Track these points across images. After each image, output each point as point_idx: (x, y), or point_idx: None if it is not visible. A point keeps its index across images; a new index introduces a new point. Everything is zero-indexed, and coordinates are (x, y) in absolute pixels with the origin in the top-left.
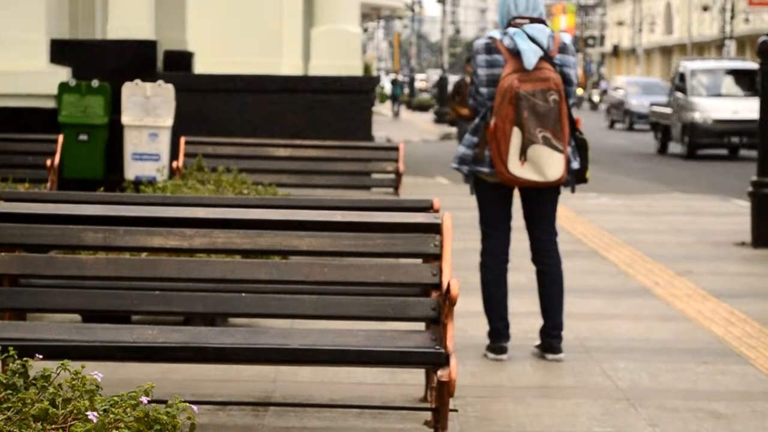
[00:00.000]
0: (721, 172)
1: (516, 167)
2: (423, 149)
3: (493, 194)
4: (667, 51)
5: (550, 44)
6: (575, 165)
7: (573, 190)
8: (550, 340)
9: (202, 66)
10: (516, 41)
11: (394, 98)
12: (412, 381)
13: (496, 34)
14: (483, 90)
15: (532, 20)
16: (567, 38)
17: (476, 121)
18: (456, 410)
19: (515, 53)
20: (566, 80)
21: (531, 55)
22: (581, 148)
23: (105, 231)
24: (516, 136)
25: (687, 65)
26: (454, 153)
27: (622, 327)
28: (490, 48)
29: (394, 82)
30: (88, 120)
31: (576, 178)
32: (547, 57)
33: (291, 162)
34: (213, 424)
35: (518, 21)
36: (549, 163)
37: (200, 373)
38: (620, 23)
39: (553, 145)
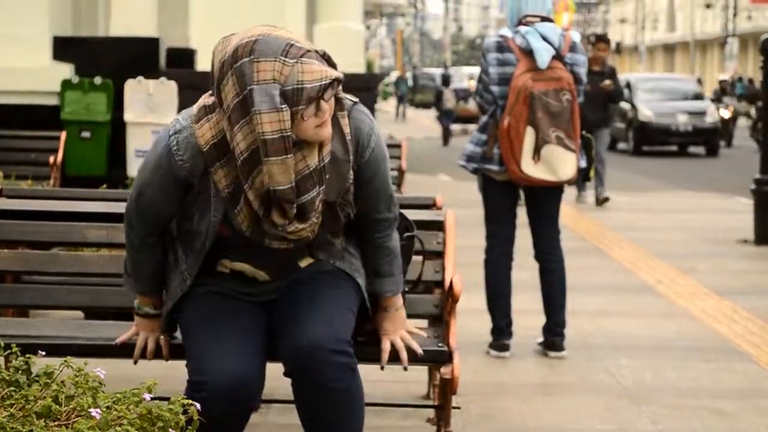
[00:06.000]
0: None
1: (529, 167)
2: (425, 146)
3: (499, 192)
4: (669, 49)
5: (562, 43)
6: (582, 163)
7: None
8: (553, 338)
9: (204, 63)
10: (529, 40)
11: (400, 98)
12: (414, 378)
13: (507, 32)
14: (494, 89)
15: (542, 19)
16: (576, 37)
17: (485, 118)
18: (459, 407)
19: (527, 52)
20: (577, 79)
21: (545, 54)
22: (587, 146)
23: (108, 228)
24: (529, 136)
25: None
26: (462, 150)
27: (625, 324)
28: (502, 46)
29: (398, 80)
30: (90, 117)
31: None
32: (558, 56)
33: None
34: None
35: (529, 19)
36: (562, 163)
37: None
38: (623, 21)
39: (566, 144)
